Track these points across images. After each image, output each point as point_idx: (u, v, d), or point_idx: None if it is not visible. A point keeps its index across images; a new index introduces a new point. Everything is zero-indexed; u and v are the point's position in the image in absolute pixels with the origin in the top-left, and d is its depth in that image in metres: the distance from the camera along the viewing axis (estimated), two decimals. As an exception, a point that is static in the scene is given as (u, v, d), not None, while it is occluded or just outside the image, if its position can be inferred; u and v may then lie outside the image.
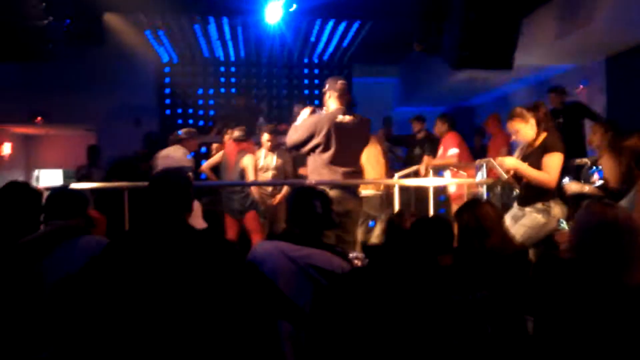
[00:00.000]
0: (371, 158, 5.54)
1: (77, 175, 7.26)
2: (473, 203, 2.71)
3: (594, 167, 4.19)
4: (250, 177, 5.37)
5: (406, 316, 1.75)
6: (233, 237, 5.36)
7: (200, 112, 8.74)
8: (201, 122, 8.61)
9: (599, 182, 3.97)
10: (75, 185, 3.86)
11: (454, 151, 5.80)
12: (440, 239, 2.35)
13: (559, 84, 7.30)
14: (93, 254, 1.84)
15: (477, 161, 4.58)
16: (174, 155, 5.48)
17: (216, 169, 5.85)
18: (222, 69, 8.87)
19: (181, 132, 5.72)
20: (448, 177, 5.76)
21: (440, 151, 6.05)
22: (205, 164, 5.86)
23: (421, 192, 5.70)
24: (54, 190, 2.65)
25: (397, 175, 5.68)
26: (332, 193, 3.73)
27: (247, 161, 5.40)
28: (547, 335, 1.57)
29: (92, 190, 5.20)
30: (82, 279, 1.75)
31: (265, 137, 5.66)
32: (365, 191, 5.34)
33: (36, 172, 10.51)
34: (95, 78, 8.20)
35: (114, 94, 8.28)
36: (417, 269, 1.87)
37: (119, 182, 5.64)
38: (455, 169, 5.70)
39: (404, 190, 5.18)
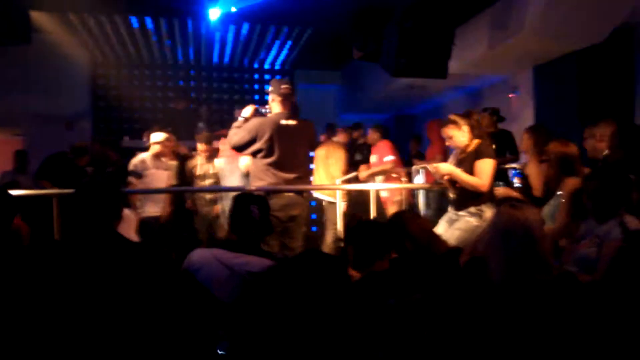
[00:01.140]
0: (323, 161, 5.60)
1: (1, 182, 6.84)
2: (394, 217, 2.77)
3: (514, 171, 4.40)
4: None
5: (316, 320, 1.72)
6: None
7: (136, 115, 8.43)
8: (137, 126, 8.33)
9: (517, 185, 4.18)
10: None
11: (389, 158, 5.98)
12: (378, 243, 2.38)
13: (491, 93, 7.66)
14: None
15: (414, 167, 4.72)
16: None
17: (182, 173, 5.69)
18: (160, 71, 8.64)
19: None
20: (380, 182, 5.95)
21: (373, 159, 6.21)
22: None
23: (363, 196, 5.78)
24: None
25: (338, 180, 5.75)
26: (276, 199, 3.71)
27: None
28: (475, 334, 1.63)
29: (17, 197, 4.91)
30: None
31: (201, 147, 5.63)
32: (319, 195, 5.35)
33: (-45, 179, 9.79)
34: (23, 79, 7.77)
35: (43, 96, 7.86)
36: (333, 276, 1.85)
37: (51, 180, 5.37)
38: (391, 175, 5.86)
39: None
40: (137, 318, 1.66)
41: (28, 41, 5.13)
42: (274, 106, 3.87)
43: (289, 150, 3.77)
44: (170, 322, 1.73)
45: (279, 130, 3.73)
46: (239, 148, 3.87)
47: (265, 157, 3.75)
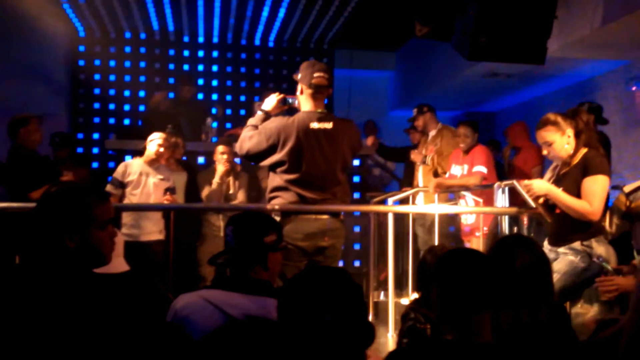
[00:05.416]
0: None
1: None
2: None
3: None
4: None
5: None
6: None
7: (126, 108, 8.55)
8: (127, 120, 8.45)
9: None
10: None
11: (480, 169, 5.68)
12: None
13: (603, 85, 7.45)
14: None
15: (497, 184, 4.57)
16: None
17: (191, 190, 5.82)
18: (158, 50, 8.75)
19: None
20: (464, 203, 5.74)
21: (457, 170, 5.96)
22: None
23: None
24: None
25: (390, 199, 5.65)
26: (299, 224, 3.62)
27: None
28: None
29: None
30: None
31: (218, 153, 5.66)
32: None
33: None
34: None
35: (8, 79, 8.06)
36: None
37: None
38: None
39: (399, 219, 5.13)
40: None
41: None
42: (303, 101, 3.72)
43: (320, 163, 3.63)
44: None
45: (307, 137, 3.59)
46: (253, 157, 3.75)
47: (286, 172, 3.63)
